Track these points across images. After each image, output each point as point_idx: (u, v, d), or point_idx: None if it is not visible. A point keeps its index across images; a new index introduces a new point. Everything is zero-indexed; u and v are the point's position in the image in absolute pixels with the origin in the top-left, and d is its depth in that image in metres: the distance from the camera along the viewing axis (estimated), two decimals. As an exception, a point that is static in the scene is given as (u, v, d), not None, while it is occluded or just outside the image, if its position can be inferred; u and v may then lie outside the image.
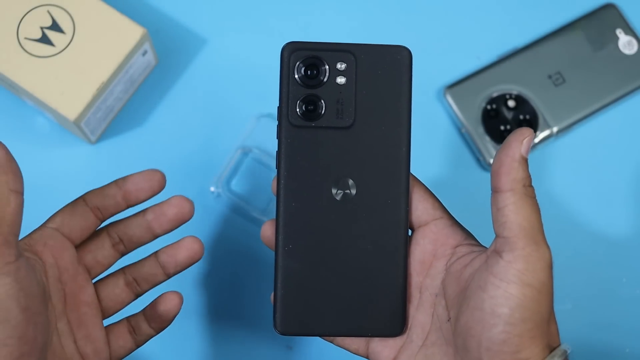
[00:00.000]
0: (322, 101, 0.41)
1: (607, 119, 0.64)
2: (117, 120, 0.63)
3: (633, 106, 0.65)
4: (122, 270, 0.48)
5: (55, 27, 0.58)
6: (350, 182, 0.41)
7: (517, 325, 0.37)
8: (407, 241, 0.42)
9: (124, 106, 0.63)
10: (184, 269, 0.48)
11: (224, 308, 0.60)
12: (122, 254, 0.48)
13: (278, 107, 0.41)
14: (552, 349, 0.38)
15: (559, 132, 0.63)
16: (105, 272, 0.47)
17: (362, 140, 0.41)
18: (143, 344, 0.47)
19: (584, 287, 0.61)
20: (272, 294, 0.42)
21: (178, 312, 0.47)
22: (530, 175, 0.39)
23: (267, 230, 0.44)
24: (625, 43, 0.65)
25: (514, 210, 0.38)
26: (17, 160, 0.39)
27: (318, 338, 0.44)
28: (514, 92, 0.63)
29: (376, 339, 0.43)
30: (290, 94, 0.41)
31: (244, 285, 0.60)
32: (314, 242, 0.41)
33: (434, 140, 0.64)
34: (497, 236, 0.39)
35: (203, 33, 0.65)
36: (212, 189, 0.61)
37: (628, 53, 0.65)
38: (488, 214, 0.43)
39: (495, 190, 0.39)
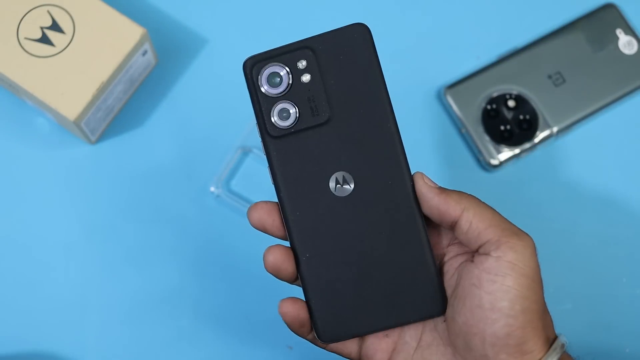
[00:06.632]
0: (294, 105, 0.41)
1: (607, 119, 0.64)
2: (117, 120, 0.63)
3: (633, 106, 0.65)
4: None
5: (55, 27, 0.58)
6: (347, 175, 0.41)
7: (518, 317, 0.37)
8: (422, 215, 0.41)
9: (124, 106, 0.63)
10: None
11: (224, 308, 0.60)
12: None
13: (256, 123, 0.41)
14: (551, 340, 0.39)
15: (559, 132, 0.63)
16: None
17: (345, 130, 0.41)
18: None
19: (584, 287, 0.61)
20: (305, 304, 0.41)
21: None
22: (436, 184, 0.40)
23: (277, 259, 0.41)
24: (625, 43, 0.65)
25: (478, 220, 0.39)
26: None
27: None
28: (514, 92, 0.63)
29: (367, 342, 0.42)
30: (262, 108, 0.41)
31: (243, 285, 0.60)
32: (331, 244, 0.41)
33: (434, 140, 0.64)
34: (476, 249, 0.39)
35: (203, 33, 0.65)
36: (212, 189, 0.61)
37: (628, 53, 0.65)
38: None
39: (451, 225, 0.40)
